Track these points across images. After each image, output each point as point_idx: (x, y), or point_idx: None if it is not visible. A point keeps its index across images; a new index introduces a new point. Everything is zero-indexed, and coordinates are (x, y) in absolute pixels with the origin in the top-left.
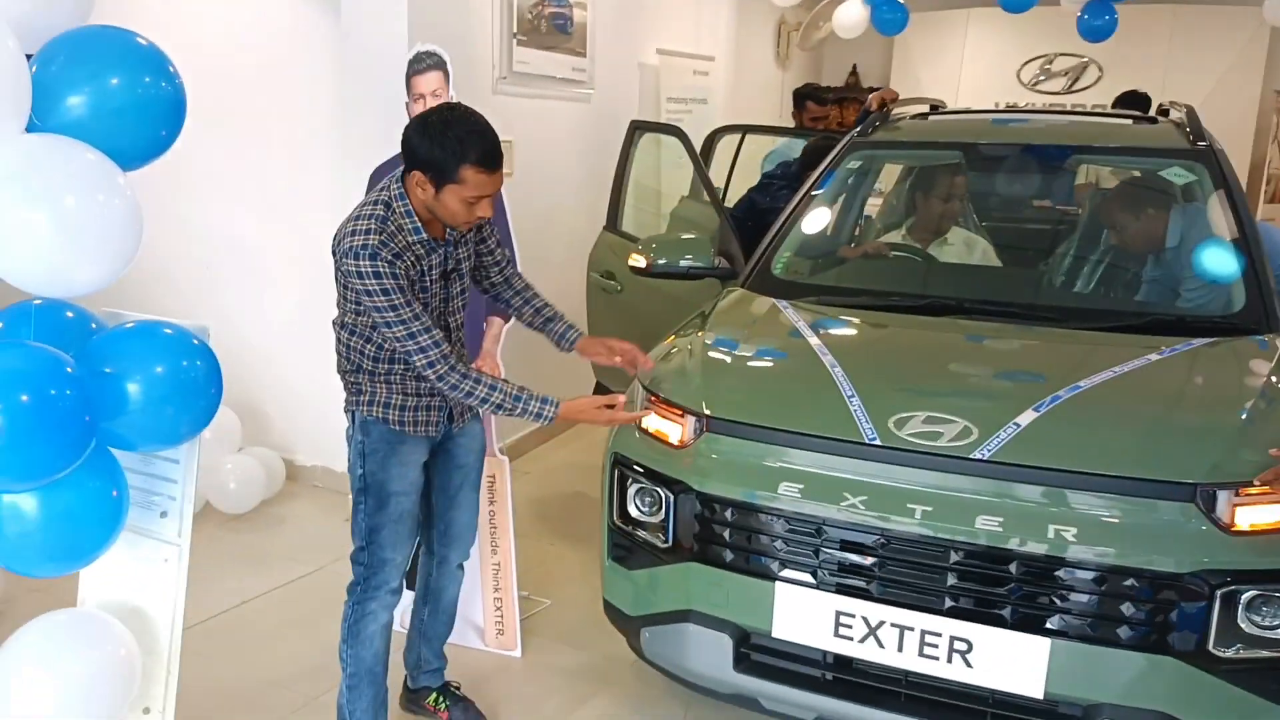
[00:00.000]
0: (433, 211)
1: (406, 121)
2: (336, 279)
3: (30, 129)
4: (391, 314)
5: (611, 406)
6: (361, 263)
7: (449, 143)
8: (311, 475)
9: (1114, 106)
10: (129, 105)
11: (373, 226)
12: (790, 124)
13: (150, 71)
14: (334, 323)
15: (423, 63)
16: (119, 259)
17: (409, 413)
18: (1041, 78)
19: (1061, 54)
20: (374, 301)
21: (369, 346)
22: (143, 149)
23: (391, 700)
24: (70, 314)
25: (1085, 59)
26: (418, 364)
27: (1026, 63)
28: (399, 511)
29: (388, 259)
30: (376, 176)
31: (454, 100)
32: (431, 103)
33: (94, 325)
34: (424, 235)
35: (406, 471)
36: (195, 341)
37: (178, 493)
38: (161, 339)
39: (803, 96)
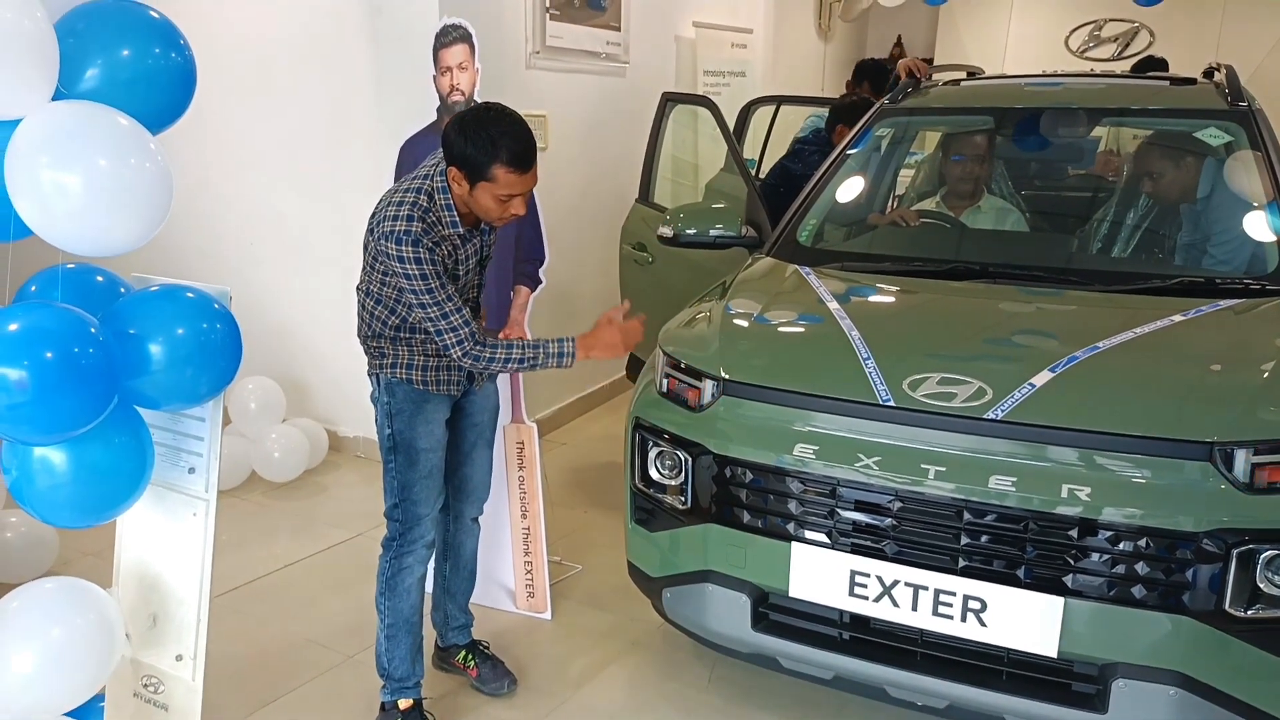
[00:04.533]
0: (468, 206)
1: (436, 95)
2: (366, 246)
3: (56, 97)
4: (428, 297)
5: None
6: (404, 249)
7: (483, 142)
8: (354, 446)
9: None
10: (142, 75)
11: (415, 215)
12: (828, 94)
13: (161, 43)
14: (358, 288)
15: (448, 35)
16: (151, 219)
17: (430, 373)
18: (1090, 44)
19: (1112, 19)
20: (412, 285)
21: (392, 317)
22: (156, 116)
23: (424, 658)
24: (100, 278)
25: (1136, 24)
26: (446, 342)
27: (1075, 29)
28: (428, 467)
29: (428, 246)
30: (406, 150)
31: (478, 70)
32: (458, 75)
33: (123, 290)
34: (461, 229)
35: (432, 429)
36: (216, 305)
37: (204, 449)
38: (183, 302)
39: (866, 72)
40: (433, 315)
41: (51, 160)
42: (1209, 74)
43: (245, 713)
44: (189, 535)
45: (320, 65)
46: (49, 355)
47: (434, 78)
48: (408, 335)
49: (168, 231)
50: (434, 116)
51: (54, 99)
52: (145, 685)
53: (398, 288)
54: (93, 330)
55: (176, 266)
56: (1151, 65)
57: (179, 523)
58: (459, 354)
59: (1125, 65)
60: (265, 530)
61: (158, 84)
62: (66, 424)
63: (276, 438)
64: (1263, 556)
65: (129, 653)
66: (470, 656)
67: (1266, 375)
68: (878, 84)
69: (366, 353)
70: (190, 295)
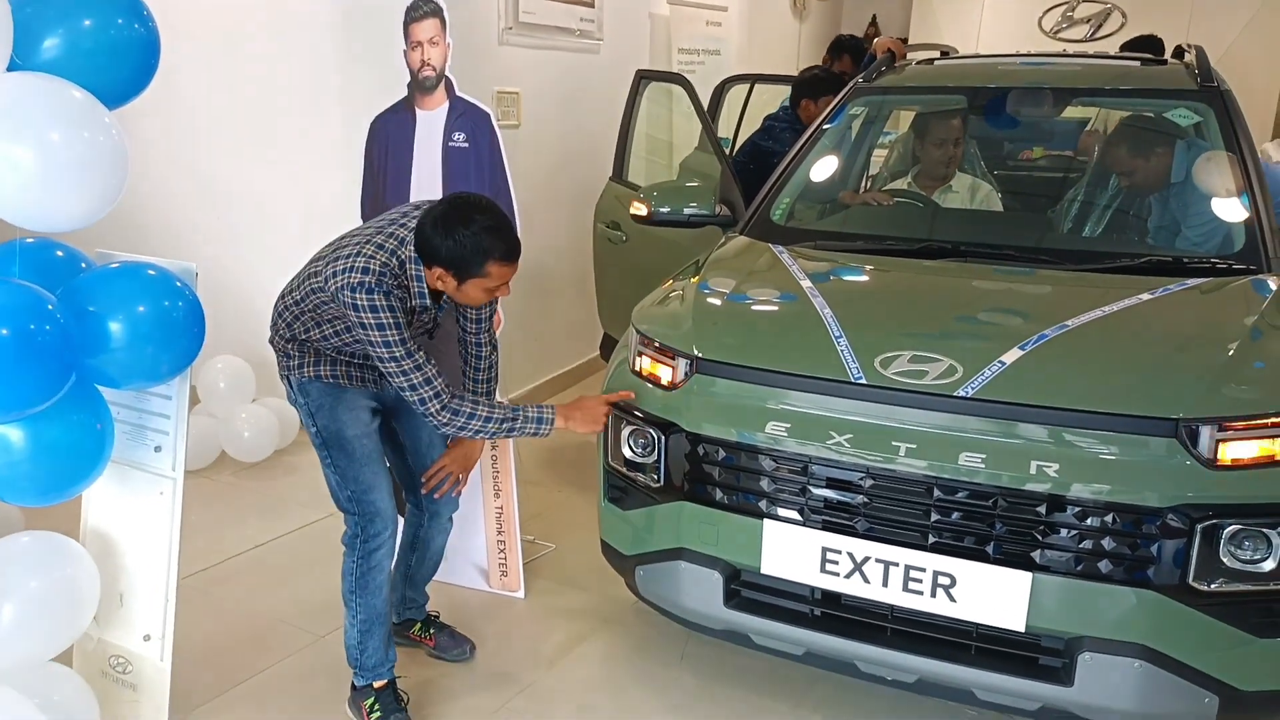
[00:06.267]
0: (452, 298)
1: (406, 70)
2: (316, 274)
3: (11, 68)
4: (400, 350)
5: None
6: (375, 298)
7: (471, 241)
8: None
9: (1123, 50)
10: (103, 46)
11: (382, 271)
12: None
13: (123, 13)
14: (282, 296)
15: (419, 10)
16: (104, 196)
17: (341, 367)
18: (1063, 25)
19: (1084, 0)
20: (384, 336)
21: (316, 330)
22: (118, 89)
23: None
24: (60, 253)
25: (1108, 5)
26: (422, 397)
27: (1048, 10)
28: (364, 453)
29: (398, 296)
30: (376, 127)
31: (449, 45)
32: (429, 50)
33: (84, 265)
34: (427, 301)
35: (358, 415)
36: (178, 283)
37: (171, 428)
38: (144, 279)
39: (844, 48)
40: (406, 369)
41: (2, 133)
42: (1179, 54)
43: (215, 693)
44: (156, 514)
45: (290, 39)
46: (4, 332)
47: (404, 53)
48: (319, 338)
49: (136, 207)
50: (404, 92)
51: (9, 69)
52: (113, 665)
53: (349, 325)
54: (50, 307)
55: (145, 242)
56: (1145, 44)
57: (146, 502)
58: (435, 408)
59: (1097, 46)
60: (235, 511)
61: (120, 56)
62: (22, 402)
63: (246, 417)
64: (1226, 531)
65: (96, 632)
66: (426, 628)
67: (1231, 353)
68: (857, 58)
69: (277, 354)
70: (151, 272)
